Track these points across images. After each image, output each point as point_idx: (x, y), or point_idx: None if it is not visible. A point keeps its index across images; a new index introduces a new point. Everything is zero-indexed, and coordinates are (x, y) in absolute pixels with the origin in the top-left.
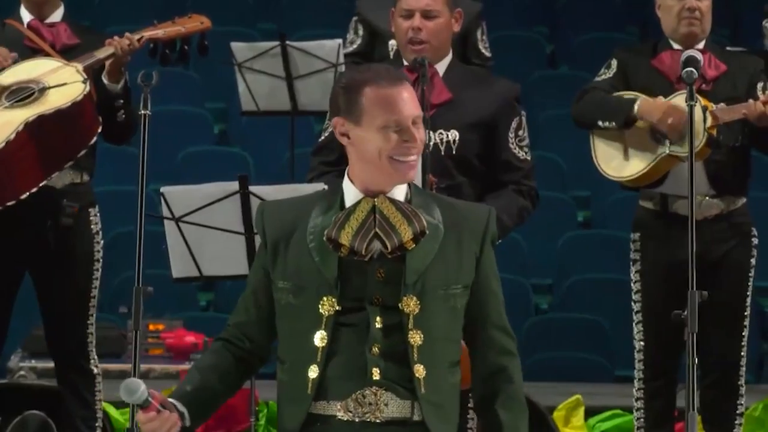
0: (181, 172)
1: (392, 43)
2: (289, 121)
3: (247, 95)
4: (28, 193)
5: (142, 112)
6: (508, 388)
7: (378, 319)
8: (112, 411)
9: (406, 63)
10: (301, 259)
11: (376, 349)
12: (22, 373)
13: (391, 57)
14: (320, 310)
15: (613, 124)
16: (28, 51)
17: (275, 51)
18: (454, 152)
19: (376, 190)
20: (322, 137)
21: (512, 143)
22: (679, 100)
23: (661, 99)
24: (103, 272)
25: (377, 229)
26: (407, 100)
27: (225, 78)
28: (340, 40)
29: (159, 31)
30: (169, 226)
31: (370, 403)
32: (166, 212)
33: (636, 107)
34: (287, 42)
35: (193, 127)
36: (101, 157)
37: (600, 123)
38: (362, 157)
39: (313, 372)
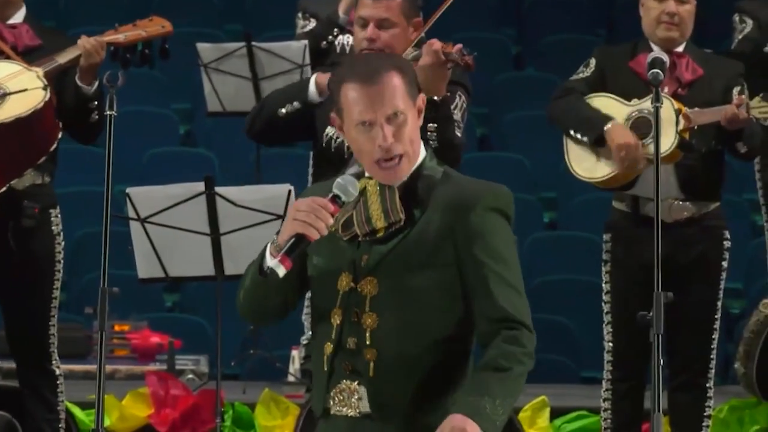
0: (147, 172)
1: None
2: None
3: (213, 96)
4: None
5: (108, 112)
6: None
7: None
8: (78, 412)
9: None
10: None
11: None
12: None
13: None
14: (337, 287)
15: (585, 139)
16: None
17: (241, 52)
18: None
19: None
20: None
21: None
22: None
23: (628, 133)
24: (69, 272)
25: (354, 212)
26: (376, 97)
27: (190, 79)
28: (305, 42)
29: (120, 36)
30: (135, 227)
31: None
32: (131, 213)
33: (605, 129)
34: (253, 43)
35: (158, 127)
36: (68, 158)
37: (572, 133)
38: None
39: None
